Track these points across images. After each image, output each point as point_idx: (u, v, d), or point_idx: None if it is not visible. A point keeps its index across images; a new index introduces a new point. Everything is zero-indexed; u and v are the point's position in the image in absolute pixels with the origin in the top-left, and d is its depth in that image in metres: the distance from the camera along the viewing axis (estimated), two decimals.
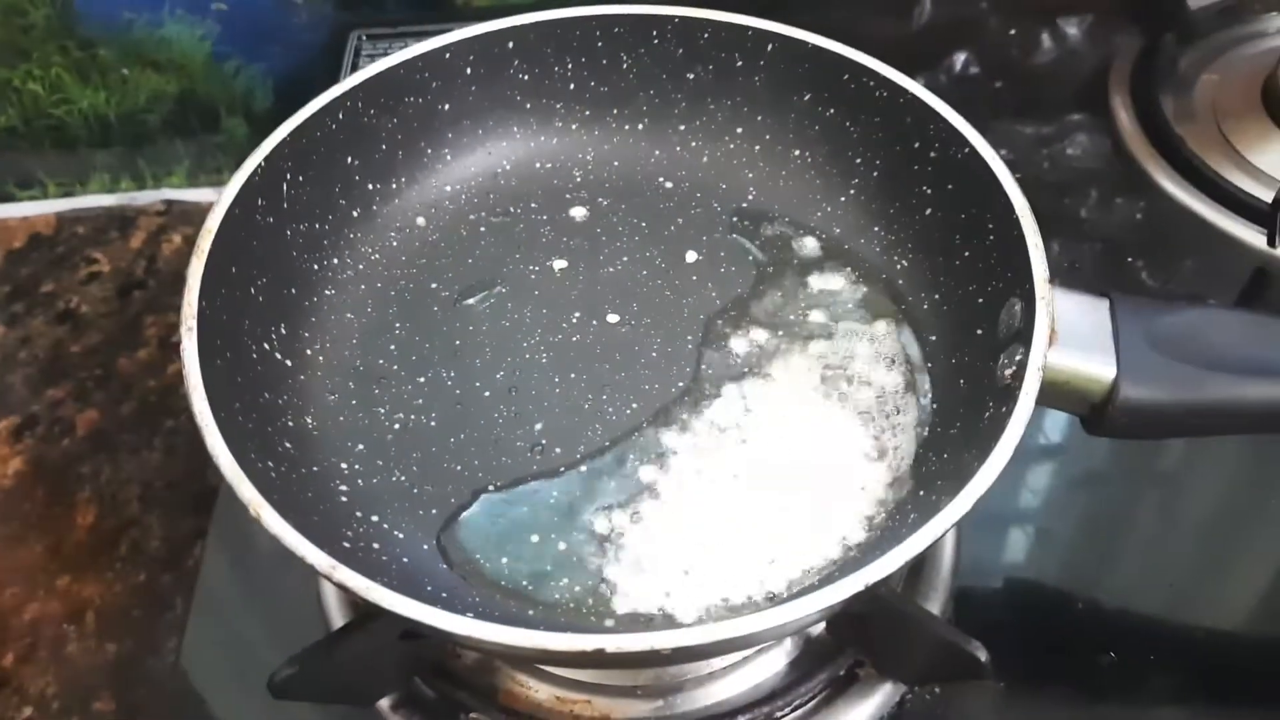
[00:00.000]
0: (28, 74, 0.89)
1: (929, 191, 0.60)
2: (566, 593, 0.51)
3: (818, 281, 0.62)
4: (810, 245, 0.64)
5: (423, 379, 0.59)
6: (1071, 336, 0.49)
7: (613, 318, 0.61)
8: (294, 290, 0.59)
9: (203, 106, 0.93)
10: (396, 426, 0.57)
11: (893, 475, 0.54)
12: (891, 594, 0.53)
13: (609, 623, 0.50)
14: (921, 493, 0.52)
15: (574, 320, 0.61)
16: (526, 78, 0.66)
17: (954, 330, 0.57)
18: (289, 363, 0.57)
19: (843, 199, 0.65)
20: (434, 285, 0.63)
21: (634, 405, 0.58)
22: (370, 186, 0.64)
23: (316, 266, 0.61)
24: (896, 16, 0.92)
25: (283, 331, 0.58)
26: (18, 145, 0.92)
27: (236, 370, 0.53)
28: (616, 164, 0.68)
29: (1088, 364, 0.49)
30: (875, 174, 0.63)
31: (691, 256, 0.64)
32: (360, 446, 0.56)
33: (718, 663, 0.55)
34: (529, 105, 0.67)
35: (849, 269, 0.62)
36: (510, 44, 0.65)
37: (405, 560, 0.52)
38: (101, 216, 0.89)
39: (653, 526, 0.53)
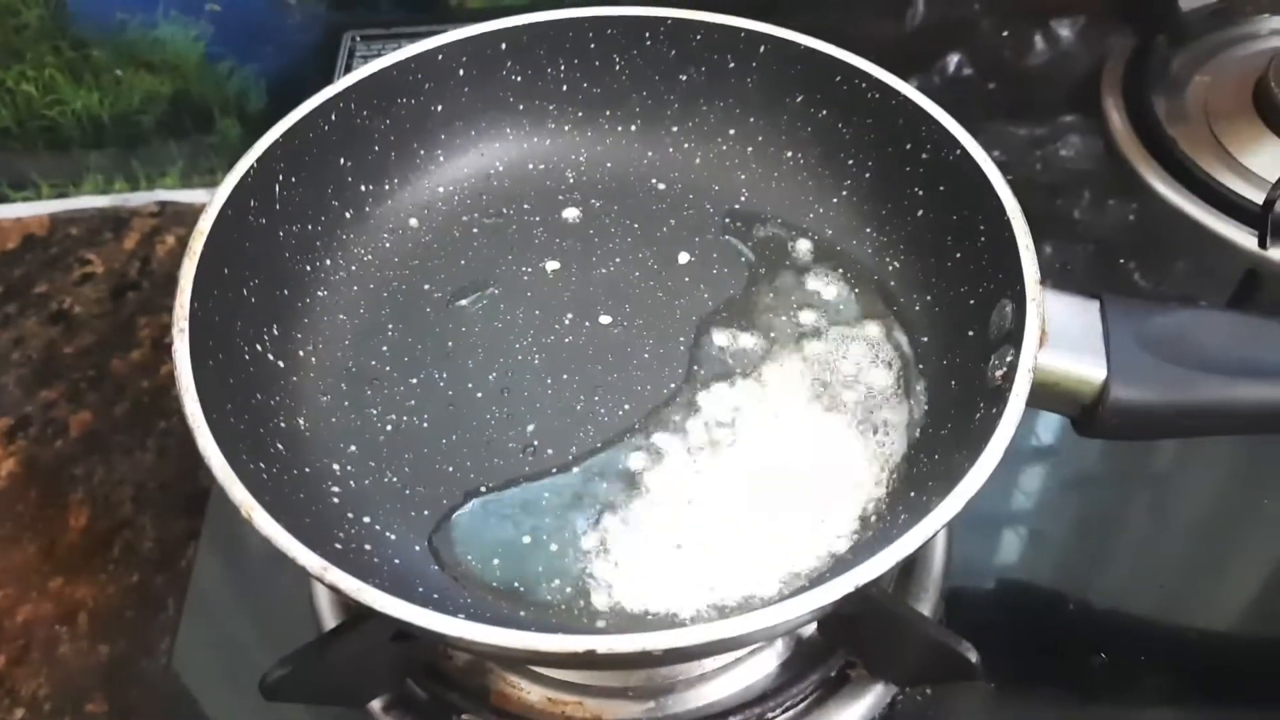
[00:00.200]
0: (21, 75, 0.89)
1: (921, 193, 0.60)
2: (558, 594, 0.51)
3: (810, 283, 0.62)
4: (802, 247, 0.64)
5: (415, 380, 0.59)
6: (1062, 338, 0.50)
7: (605, 319, 0.61)
8: (286, 291, 0.59)
9: (196, 107, 0.93)
10: (389, 428, 0.57)
11: (884, 476, 0.54)
12: (882, 595, 0.53)
13: (600, 624, 0.50)
14: (912, 493, 0.52)
15: (566, 321, 0.61)
16: (519, 79, 0.66)
17: (945, 331, 0.58)
18: (281, 364, 0.57)
19: (835, 200, 0.65)
20: (427, 286, 0.63)
21: (626, 406, 0.58)
22: (363, 188, 0.64)
23: (309, 268, 0.61)
24: (889, 18, 0.92)
25: (275, 333, 0.58)
26: (11, 146, 0.92)
27: (228, 372, 0.53)
28: (609, 165, 0.68)
29: (1078, 365, 0.49)
30: (867, 176, 0.63)
31: (684, 258, 0.64)
32: (352, 448, 0.56)
33: (709, 664, 0.55)
34: (522, 106, 0.67)
35: (841, 270, 0.62)
36: (503, 45, 0.65)
37: (397, 561, 0.52)
38: (95, 217, 0.89)
39: (644, 528, 0.53)
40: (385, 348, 0.60)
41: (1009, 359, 0.49)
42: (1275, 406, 0.50)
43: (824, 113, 0.64)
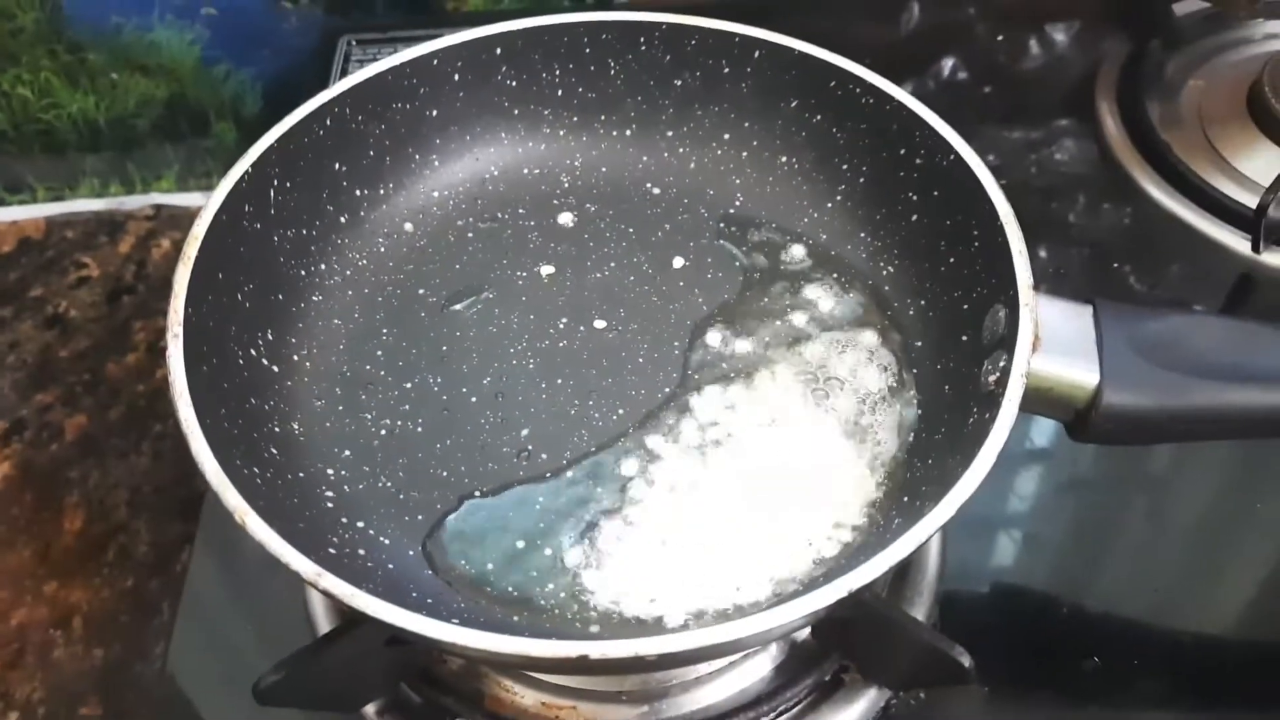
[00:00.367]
0: (16, 78, 0.89)
1: (915, 198, 0.60)
2: (552, 598, 0.51)
3: (804, 288, 0.62)
4: (797, 251, 0.64)
5: (409, 385, 0.59)
6: (1055, 343, 0.50)
7: (600, 323, 0.61)
8: (281, 296, 0.59)
9: (192, 111, 0.93)
10: (383, 432, 0.57)
11: (877, 480, 0.54)
12: (876, 599, 0.53)
13: (594, 628, 0.50)
14: (906, 498, 0.53)
15: (561, 326, 0.61)
16: (514, 84, 0.66)
17: (939, 336, 0.58)
18: (276, 369, 0.57)
19: (829, 205, 0.65)
20: (421, 291, 0.63)
21: (620, 411, 0.58)
22: (358, 192, 0.64)
23: (304, 272, 0.61)
24: (884, 22, 0.93)
25: (269, 337, 0.58)
26: (7, 149, 0.92)
27: (223, 376, 0.53)
28: (604, 170, 0.68)
29: (1071, 370, 0.50)
30: (862, 180, 0.63)
31: (678, 262, 0.64)
32: (346, 452, 0.56)
33: (703, 668, 0.55)
34: (517, 111, 0.67)
35: (835, 275, 0.63)
36: (498, 50, 0.65)
37: (391, 566, 0.52)
38: (91, 221, 0.89)
39: (638, 532, 0.53)
40: (380, 352, 0.60)
41: (1002, 364, 0.50)
42: (1268, 411, 0.50)
43: (818, 118, 0.64)
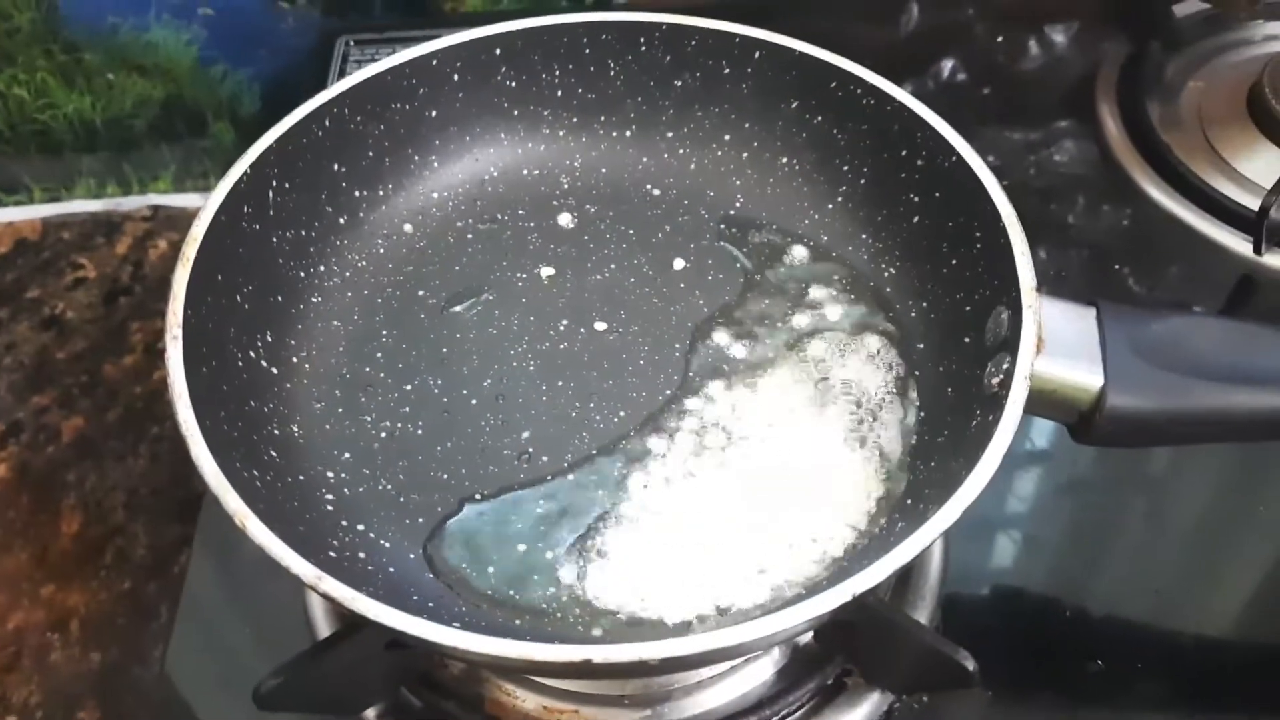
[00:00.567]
0: (13, 79, 0.88)
1: (916, 199, 0.60)
2: (554, 602, 0.51)
3: (805, 289, 0.62)
4: (798, 253, 0.64)
5: (409, 387, 0.59)
6: (1058, 345, 0.49)
7: (600, 325, 0.61)
8: (280, 298, 0.59)
9: (189, 111, 0.93)
10: (383, 435, 0.57)
11: (880, 483, 0.54)
12: (879, 603, 0.53)
13: (596, 632, 0.50)
14: (909, 501, 0.52)
15: (561, 328, 0.61)
16: (514, 84, 0.66)
17: (941, 338, 0.58)
18: (275, 371, 0.57)
19: (830, 206, 0.65)
20: (421, 293, 0.63)
21: (621, 413, 0.57)
22: (357, 193, 0.64)
23: (303, 274, 0.61)
24: (883, 24, 0.92)
25: (269, 339, 0.57)
26: (3, 150, 0.92)
27: (222, 378, 0.53)
28: (604, 171, 0.68)
29: (1074, 372, 0.49)
30: (863, 181, 0.63)
31: (679, 264, 0.64)
32: (346, 455, 0.56)
33: (705, 672, 0.55)
34: (516, 112, 0.67)
35: (836, 277, 0.62)
36: (498, 51, 0.65)
37: (391, 570, 0.51)
38: (87, 222, 0.89)
39: (640, 534, 0.53)
40: (379, 354, 0.60)
41: (1005, 366, 0.49)
42: (1271, 414, 0.50)
43: (819, 118, 0.64)
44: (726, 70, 0.65)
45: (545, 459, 0.56)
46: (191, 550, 0.65)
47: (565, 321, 0.61)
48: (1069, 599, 0.60)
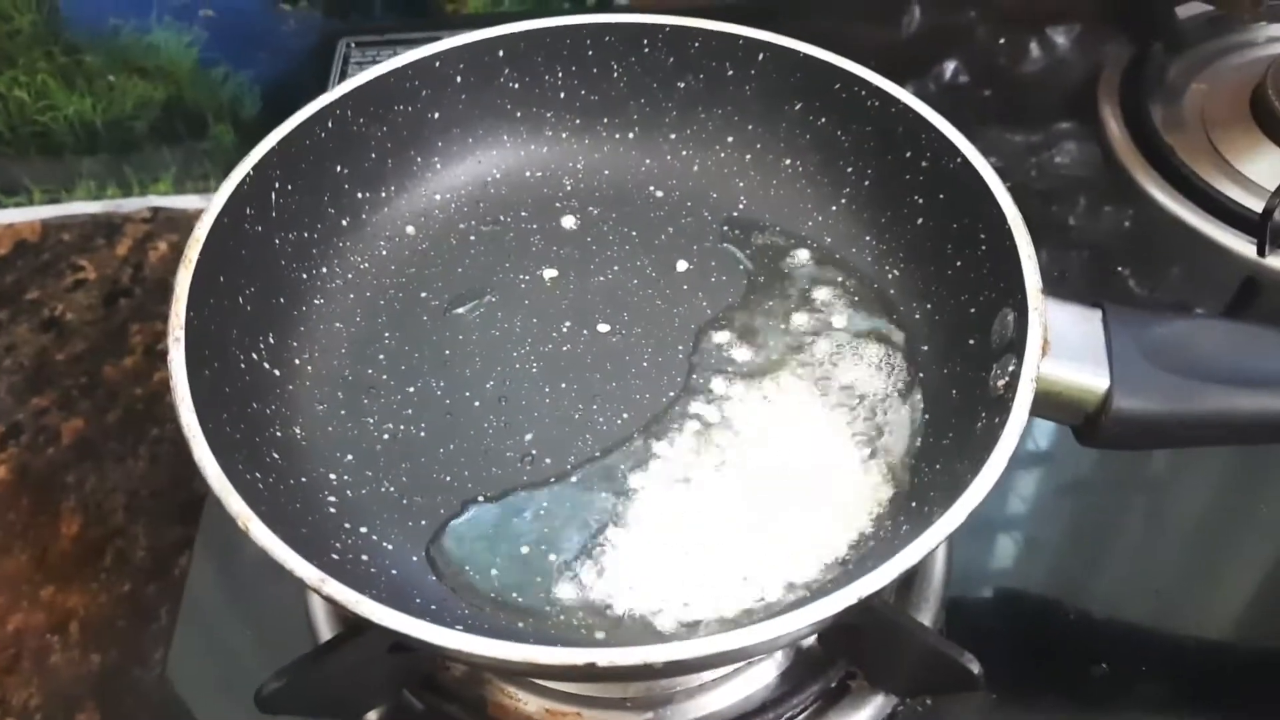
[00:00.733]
0: (13, 80, 0.88)
1: (921, 201, 0.60)
2: (557, 604, 0.51)
3: (809, 291, 0.62)
4: (801, 255, 0.63)
5: (412, 389, 0.58)
6: (1064, 347, 0.49)
7: (603, 327, 0.61)
8: (282, 299, 0.59)
9: (190, 113, 0.93)
10: (386, 437, 0.57)
11: (885, 486, 0.54)
12: (883, 605, 0.53)
13: (600, 635, 0.50)
14: (914, 504, 0.52)
15: (564, 329, 0.61)
16: (517, 86, 0.66)
17: (946, 340, 0.57)
18: (277, 373, 0.57)
19: (834, 208, 0.64)
20: (424, 294, 0.63)
21: (625, 415, 0.57)
22: (359, 195, 0.63)
23: (305, 276, 0.61)
24: (886, 25, 0.92)
25: (271, 341, 0.57)
26: (3, 152, 0.92)
27: (224, 380, 0.53)
28: (607, 173, 0.68)
29: (1080, 375, 0.49)
30: (867, 183, 0.63)
31: (682, 266, 0.64)
32: (349, 457, 0.56)
33: (709, 675, 0.55)
34: (519, 114, 0.67)
35: (840, 279, 0.62)
36: (500, 52, 0.65)
37: (394, 572, 0.51)
38: (87, 223, 0.89)
39: (643, 537, 0.52)
40: (382, 356, 0.60)
41: (1011, 368, 0.49)
42: (1276, 417, 0.50)
43: (823, 120, 0.64)
44: (730, 72, 0.65)
45: (548, 461, 0.56)
46: (192, 552, 0.65)
47: (568, 323, 0.61)
48: (1072, 601, 0.60)
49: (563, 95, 0.67)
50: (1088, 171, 0.82)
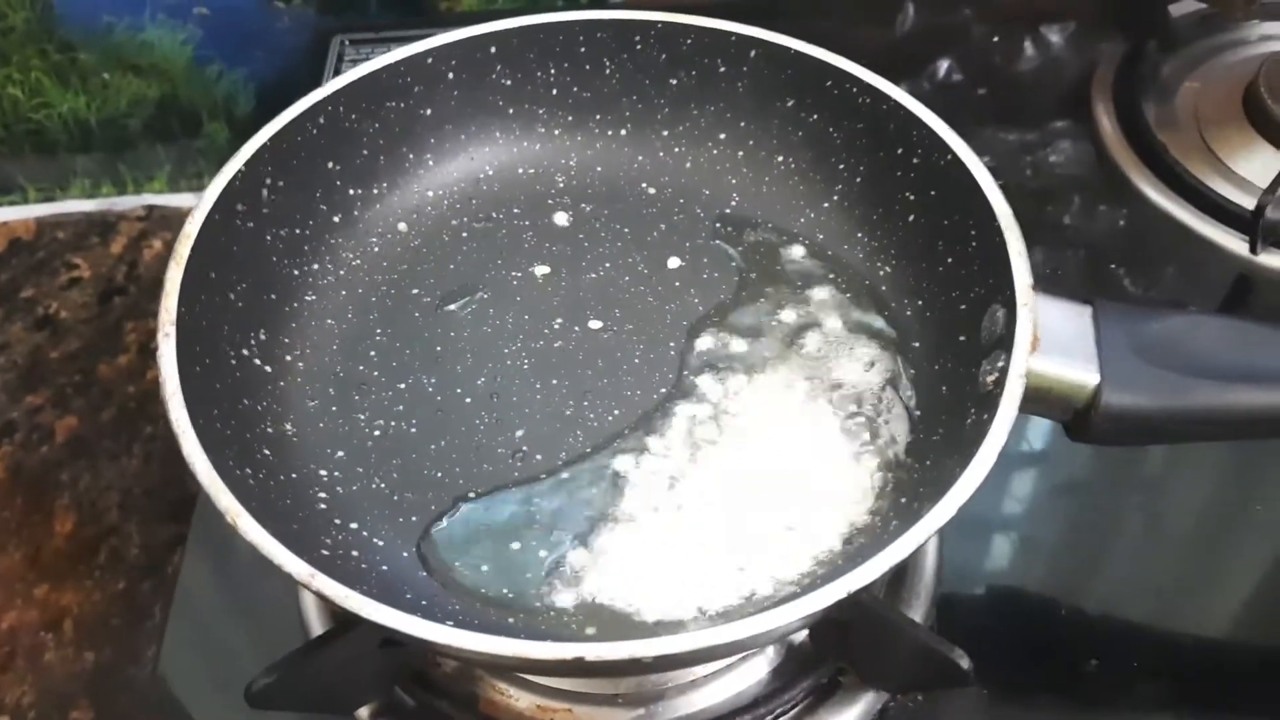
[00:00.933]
0: (7, 78, 0.88)
1: (912, 198, 0.60)
2: (547, 600, 0.51)
3: (800, 288, 0.62)
4: (793, 251, 0.64)
5: (403, 385, 0.58)
6: (1054, 343, 0.49)
7: (595, 324, 0.61)
8: (274, 296, 0.59)
9: (184, 111, 0.93)
10: (377, 433, 0.57)
11: (875, 481, 0.54)
12: (874, 601, 0.53)
13: (590, 630, 0.50)
14: (904, 499, 0.52)
15: (556, 326, 0.61)
16: (509, 83, 0.66)
17: (937, 336, 0.57)
18: (268, 369, 0.57)
19: (826, 205, 0.64)
20: (415, 291, 0.63)
21: (616, 411, 0.57)
22: (351, 191, 0.63)
23: (297, 272, 0.61)
24: (880, 23, 0.92)
25: (262, 337, 0.57)
26: None
27: (215, 376, 0.53)
28: (599, 170, 0.68)
29: (1070, 370, 0.49)
30: (858, 180, 0.63)
31: (674, 263, 0.64)
32: (340, 453, 0.56)
33: (700, 670, 0.55)
34: (511, 110, 0.67)
35: (832, 275, 0.62)
36: (493, 49, 0.65)
37: (385, 568, 0.51)
38: (82, 222, 0.89)
39: (634, 533, 0.53)
40: (373, 352, 0.60)
41: (1000, 364, 0.49)
42: (1267, 412, 0.50)
43: (815, 117, 0.64)
44: (722, 69, 0.65)
45: (539, 457, 0.56)
46: (185, 550, 0.65)
47: (560, 320, 0.61)
48: (1064, 598, 0.60)
49: (555, 92, 0.67)
50: (1081, 170, 0.82)
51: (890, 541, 0.43)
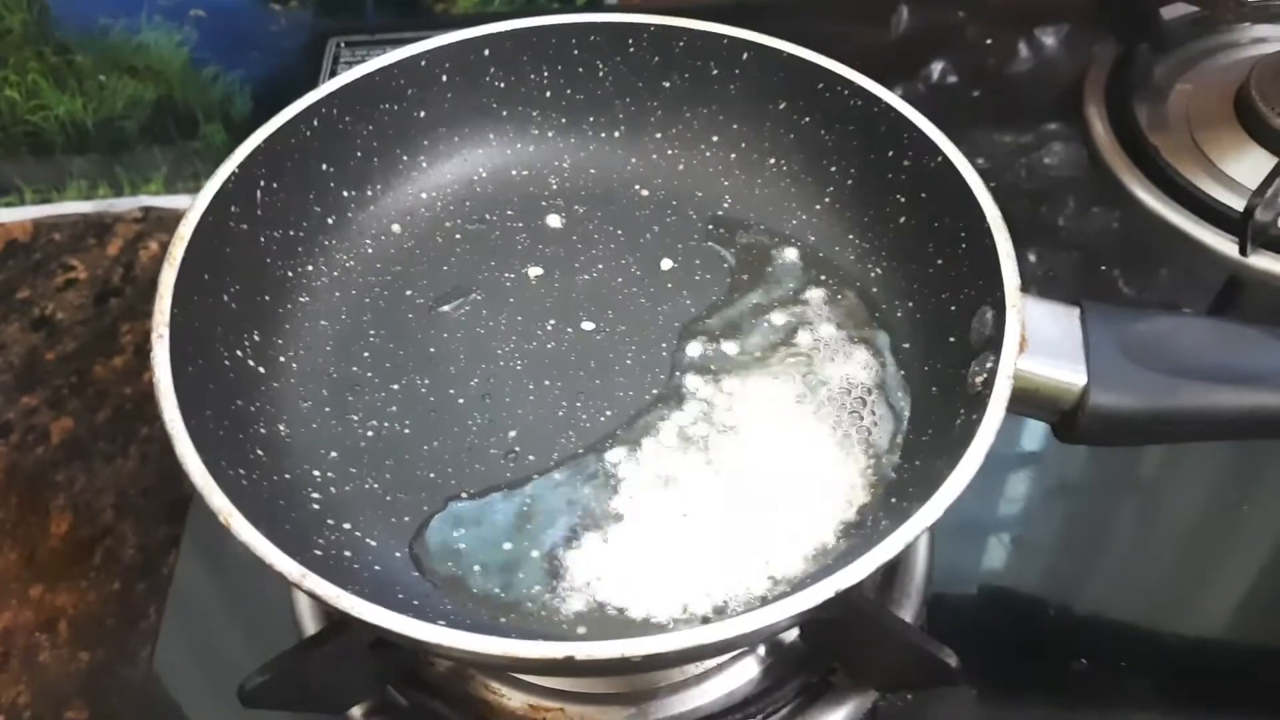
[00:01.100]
0: (4, 80, 0.88)
1: (903, 200, 0.60)
2: (539, 600, 0.51)
3: (792, 289, 0.62)
4: (785, 253, 0.64)
5: (397, 386, 0.59)
6: (1042, 344, 0.50)
7: (588, 325, 0.61)
8: (268, 297, 0.59)
9: (180, 113, 0.93)
10: (370, 434, 0.57)
11: (865, 481, 0.54)
12: (864, 600, 0.53)
13: (581, 630, 0.50)
14: (893, 499, 0.53)
15: (549, 327, 0.61)
16: (503, 85, 0.66)
17: (927, 337, 0.58)
18: (262, 370, 0.57)
19: (818, 207, 0.65)
20: (409, 292, 0.63)
21: (608, 412, 0.58)
22: (345, 193, 0.64)
23: (291, 273, 0.61)
24: (873, 25, 0.93)
25: (256, 339, 0.57)
26: None
27: (209, 378, 0.53)
28: (592, 172, 0.68)
29: (1058, 371, 0.50)
30: (850, 182, 0.63)
31: (667, 264, 0.64)
32: (333, 454, 0.56)
33: (691, 669, 0.55)
34: (505, 113, 0.67)
35: (823, 277, 0.63)
36: (486, 51, 0.65)
37: (377, 568, 0.51)
38: (79, 223, 0.89)
39: (625, 533, 0.53)
40: (367, 353, 0.60)
41: (989, 365, 0.50)
42: (1254, 412, 0.50)
43: (807, 120, 0.64)
44: (715, 71, 0.65)
45: (532, 458, 0.56)
46: (180, 551, 0.65)
47: (553, 321, 0.61)
48: (1053, 598, 0.61)
49: (549, 94, 0.67)
50: (1074, 172, 0.82)
51: (879, 540, 0.44)
